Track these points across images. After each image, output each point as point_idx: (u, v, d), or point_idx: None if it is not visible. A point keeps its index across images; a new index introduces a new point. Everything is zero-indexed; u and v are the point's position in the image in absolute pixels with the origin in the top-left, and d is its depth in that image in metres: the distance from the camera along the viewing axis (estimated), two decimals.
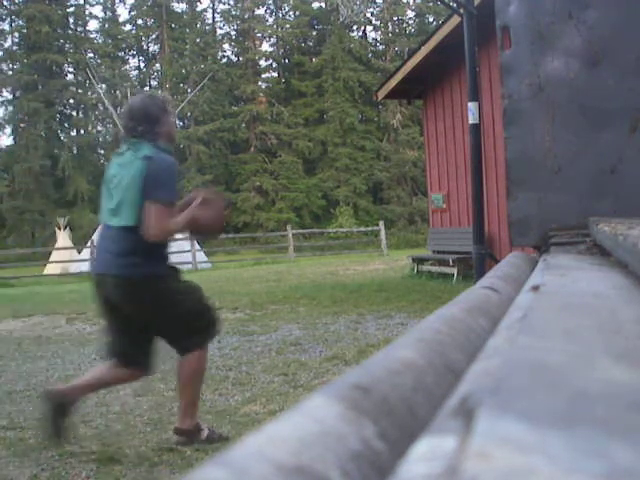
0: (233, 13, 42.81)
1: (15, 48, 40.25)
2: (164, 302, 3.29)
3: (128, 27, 43.26)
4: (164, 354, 5.85)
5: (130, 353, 3.46)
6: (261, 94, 40.95)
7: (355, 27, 41.75)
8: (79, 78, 41.01)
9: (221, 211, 3.34)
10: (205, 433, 3.40)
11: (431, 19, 41.38)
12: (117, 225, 3.20)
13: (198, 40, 40.95)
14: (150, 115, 3.21)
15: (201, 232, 3.50)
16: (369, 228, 26.54)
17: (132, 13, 42.52)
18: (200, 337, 3.42)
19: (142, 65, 44.42)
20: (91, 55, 40.67)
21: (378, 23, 42.64)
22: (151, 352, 3.55)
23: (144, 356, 3.54)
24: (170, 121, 3.33)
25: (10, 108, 39.79)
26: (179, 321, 3.36)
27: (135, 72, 44.38)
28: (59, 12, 40.32)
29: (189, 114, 39.22)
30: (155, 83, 44.28)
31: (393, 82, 11.37)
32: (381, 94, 11.98)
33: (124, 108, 3.43)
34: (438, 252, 11.35)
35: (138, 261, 3.19)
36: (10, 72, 39.71)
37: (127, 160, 3.20)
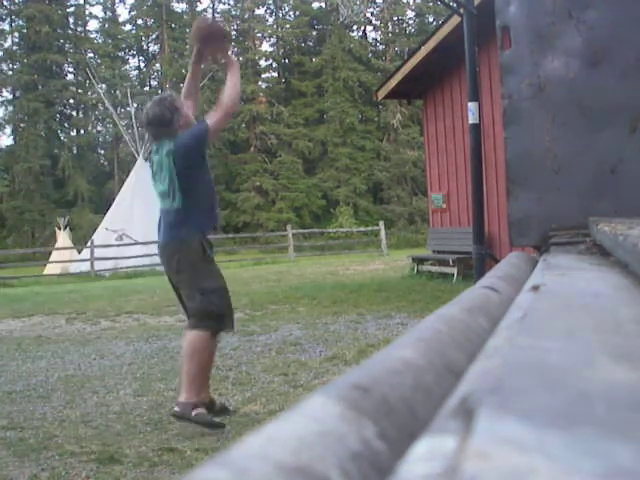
0: (233, 13, 42.82)
1: (15, 48, 40.25)
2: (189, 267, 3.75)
3: (128, 27, 43.27)
4: (164, 354, 5.86)
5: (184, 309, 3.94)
6: (261, 94, 40.94)
7: (355, 27, 41.75)
8: (79, 78, 41.01)
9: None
10: (197, 412, 3.59)
11: (431, 19, 41.39)
12: (167, 208, 3.77)
13: None
14: (164, 119, 3.70)
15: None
16: (369, 228, 26.54)
17: (132, 13, 42.52)
18: (213, 322, 3.72)
19: (142, 65, 44.43)
20: (91, 55, 40.67)
21: (378, 23, 42.65)
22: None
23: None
24: (183, 113, 3.77)
25: (10, 108, 39.80)
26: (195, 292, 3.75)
27: (135, 72, 44.39)
28: (59, 12, 40.31)
29: None
30: (155, 83, 44.28)
31: (393, 82, 11.37)
32: (381, 94, 11.98)
33: (143, 117, 3.86)
34: (438, 252, 11.35)
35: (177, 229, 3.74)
36: (10, 72, 39.72)
37: (159, 158, 3.77)
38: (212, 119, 3.82)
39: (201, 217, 3.77)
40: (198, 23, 4.11)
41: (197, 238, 3.74)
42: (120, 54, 43.07)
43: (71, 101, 41.55)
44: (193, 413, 3.58)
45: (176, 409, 3.64)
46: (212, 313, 3.74)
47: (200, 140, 3.77)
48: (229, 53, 4.08)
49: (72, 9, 41.80)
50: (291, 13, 43.34)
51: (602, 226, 1.26)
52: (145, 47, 44.08)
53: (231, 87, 3.84)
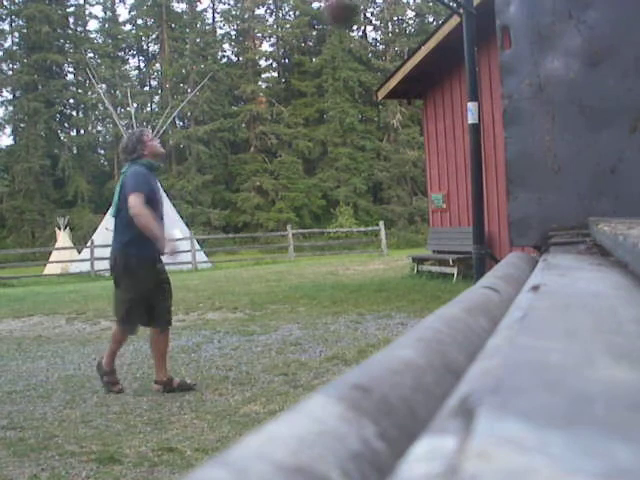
0: (233, 13, 42.81)
1: (15, 48, 40.25)
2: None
3: (128, 27, 43.27)
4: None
5: None
6: (261, 94, 40.95)
7: (355, 27, 41.75)
8: (79, 78, 41.01)
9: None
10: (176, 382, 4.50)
11: (431, 19, 41.38)
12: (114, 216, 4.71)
13: (198, 40, 40.95)
14: (127, 148, 4.64)
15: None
16: (369, 228, 26.53)
17: (132, 13, 42.51)
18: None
19: (142, 65, 44.43)
20: (91, 55, 40.67)
21: (378, 23, 42.65)
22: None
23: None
24: (148, 145, 4.61)
25: (10, 108, 39.81)
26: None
27: (135, 72, 44.39)
28: (59, 12, 40.32)
29: (189, 114, 39.24)
30: (155, 83, 44.30)
31: (393, 82, 11.37)
32: (381, 94, 11.98)
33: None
34: (438, 252, 11.35)
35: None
36: (10, 72, 39.72)
37: (121, 178, 4.67)
38: (131, 201, 4.43)
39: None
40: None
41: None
42: (120, 54, 43.06)
43: (71, 101, 41.56)
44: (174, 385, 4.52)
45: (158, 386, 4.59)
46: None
47: (126, 190, 4.50)
48: None
49: (72, 9, 41.81)
50: (291, 13, 43.33)
51: (602, 226, 1.26)
52: (145, 47, 44.08)
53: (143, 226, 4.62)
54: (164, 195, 4.59)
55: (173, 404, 4.22)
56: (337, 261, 17.39)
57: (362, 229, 27.87)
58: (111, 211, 4.81)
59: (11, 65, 40.12)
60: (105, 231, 19.26)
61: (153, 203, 4.50)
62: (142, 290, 4.51)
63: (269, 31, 42.31)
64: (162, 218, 4.63)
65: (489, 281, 0.98)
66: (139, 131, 4.76)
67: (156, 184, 4.70)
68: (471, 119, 6.02)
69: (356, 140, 38.31)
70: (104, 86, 36.05)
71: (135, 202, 4.37)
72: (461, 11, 6.19)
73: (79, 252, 20.24)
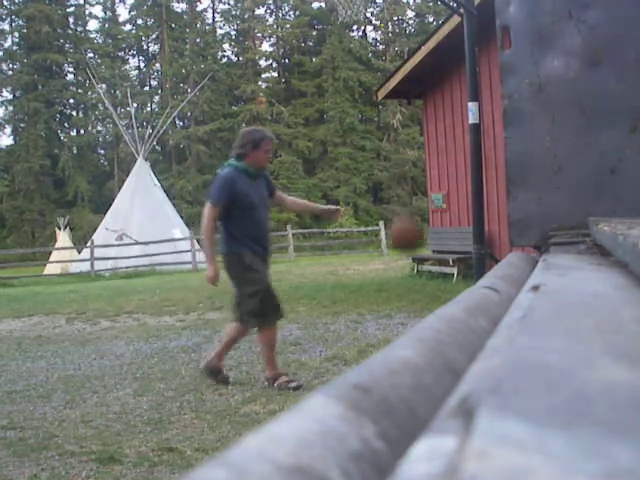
0: (233, 13, 42.81)
1: (15, 48, 40.26)
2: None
3: (128, 27, 43.27)
4: (164, 354, 5.86)
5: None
6: (261, 94, 40.95)
7: (355, 27, 41.75)
8: (79, 78, 41.01)
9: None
10: (282, 383, 4.42)
11: (431, 19, 41.38)
12: None
13: (198, 40, 40.95)
14: (238, 141, 4.53)
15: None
16: (369, 228, 26.53)
17: (132, 13, 42.52)
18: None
19: (142, 65, 44.43)
20: (91, 55, 40.67)
21: (378, 23, 42.65)
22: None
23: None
24: (258, 154, 4.47)
25: (10, 108, 39.81)
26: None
27: (135, 72, 44.40)
28: (59, 12, 40.32)
29: (189, 114, 39.23)
30: (155, 83, 44.30)
31: (393, 82, 11.37)
32: (381, 94, 11.98)
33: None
34: (438, 252, 11.34)
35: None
36: (10, 72, 39.72)
37: None
38: (207, 210, 4.48)
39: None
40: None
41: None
42: (120, 54, 43.07)
43: (71, 101, 41.56)
44: (275, 385, 4.44)
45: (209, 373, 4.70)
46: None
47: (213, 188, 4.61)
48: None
49: (72, 9, 41.81)
50: (291, 13, 43.33)
51: (602, 226, 1.26)
52: (145, 47, 44.08)
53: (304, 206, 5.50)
54: (256, 197, 4.55)
55: (173, 404, 4.22)
56: (337, 261, 17.39)
57: (362, 229, 27.87)
58: None
59: (11, 65, 40.12)
60: (105, 231, 19.29)
61: (243, 208, 4.43)
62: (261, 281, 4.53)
63: (269, 31, 42.31)
64: (261, 222, 4.54)
65: (489, 281, 0.98)
66: (261, 134, 4.57)
67: (250, 187, 4.49)
68: (472, 119, 6.03)
69: (356, 140, 38.31)
70: (104, 86, 36.04)
71: (205, 212, 4.44)
72: (461, 11, 6.19)
73: (79, 252, 20.25)
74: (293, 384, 4.42)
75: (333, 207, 5.07)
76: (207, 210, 4.44)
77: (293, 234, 21.09)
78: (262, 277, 4.52)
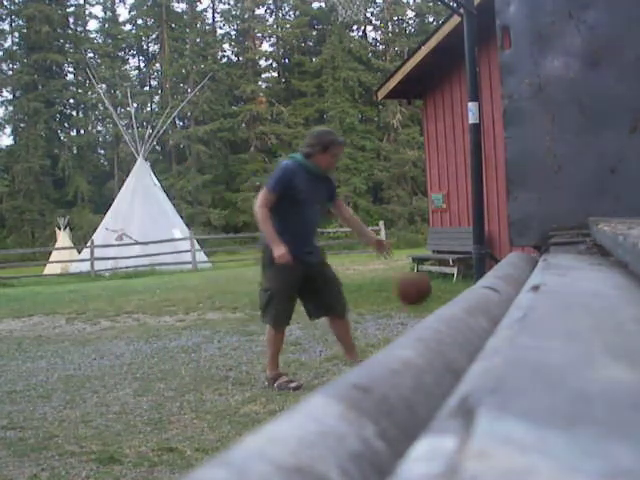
0: (233, 13, 42.80)
1: (15, 48, 40.25)
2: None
3: (128, 27, 43.25)
4: (164, 354, 5.86)
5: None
6: (261, 94, 40.93)
7: (355, 27, 41.75)
8: (79, 78, 41.01)
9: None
10: (282, 383, 4.44)
11: (431, 19, 41.37)
12: None
13: (198, 40, 40.94)
14: (308, 139, 4.54)
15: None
16: (369, 228, 26.50)
17: (132, 13, 42.50)
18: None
19: (142, 65, 44.42)
20: (91, 55, 40.66)
21: (378, 23, 42.64)
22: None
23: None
24: (325, 158, 4.43)
25: (10, 108, 39.80)
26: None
27: (135, 72, 44.38)
28: (59, 12, 40.31)
29: (189, 114, 39.22)
30: (155, 83, 44.29)
31: (393, 82, 11.37)
32: (381, 94, 11.98)
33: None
34: (438, 252, 11.34)
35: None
36: (10, 72, 39.71)
37: None
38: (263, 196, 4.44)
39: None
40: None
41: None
42: (120, 54, 43.05)
43: (71, 101, 41.55)
44: (275, 385, 4.46)
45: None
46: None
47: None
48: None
49: (72, 9, 41.79)
50: (291, 13, 43.32)
51: (602, 226, 1.26)
52: (145, 47, 44.07)
53: (357, 226, 5.11)
54: (307, 196, 4.49)
55: (173, 404, 4.22)
56: (337, 261, 17.38)
57: None
58: None
59: (11, 65, 40.11)
60: (105, 231, 19.29)
61: (294, 203, 4.37)
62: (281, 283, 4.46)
63: (269, 31, 42.30)
64: (308, 222, 4.50)
65: (489, 281, 0.98)
66: (331, 138, 4.49)
67: (308, 185, 4.42)
68: (472, 119, 6.03)
69: (356, 140, 38.29)
70: (104, 86, 36.04)
71: (259, 198, 4.40)
72: (461, 11, 6.19)
73: (79, 252, 20.24)
74: (293, 384, 4.42)
75: (383, 240, 5.12)
76: (262, 195, 4.40)
77: None
78: (281, 277, 4.41)
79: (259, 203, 4.38)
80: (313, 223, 4.62)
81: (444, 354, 0.52)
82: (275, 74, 43.69)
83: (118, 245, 17.91)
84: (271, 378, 4.51)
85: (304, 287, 4.53)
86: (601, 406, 0.30)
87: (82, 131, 41.26)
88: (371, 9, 41.08)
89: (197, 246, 18.86)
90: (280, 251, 4.27)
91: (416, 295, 4.34)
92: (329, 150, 4.42)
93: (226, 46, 43.53)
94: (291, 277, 4.42)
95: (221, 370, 5.09)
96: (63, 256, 19.75)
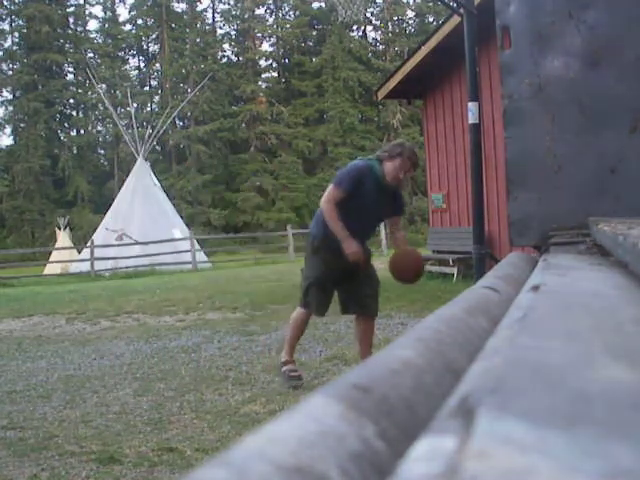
0: (233, 13, 42.80)
1: (15, 48, 40.24)
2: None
3: (128, 27, 43.25)
4: (164, 354, 5.86)
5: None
6: (261, 94, 40.93)
7: (355, 27, 41.75)
8: (79, 78, 41.01)
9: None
10: (285, 368, 4.47)
11: (431, 19, 41.37)
12: None
13: (198, 40, 40.95)
14: (386, 146, 4.63)
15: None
16: None
17: (132, 13, 42.50)
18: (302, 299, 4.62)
19: (142, 65, 44.41)
20: (91, 55, 40.66)
21: (378, 23, 42.65)
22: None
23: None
24: (395, 166, 4.36)
25: (10, 108, 39.80)
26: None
27: (135, 72, 44.38)
28: (59, 12, 40.30)
29: (189, 114, 39.22)
30: (155, 83, 44.29)
31: (393, 82, 11.37)
32: (381, 94, 11.98)
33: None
34: (438, 252, 11.34)
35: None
36: (10, 72, 39.71)
37: None
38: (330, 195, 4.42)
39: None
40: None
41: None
42: (120, 54, 43.05)
43: (71, 101, 41.55)
44: (282, 369, 4.49)
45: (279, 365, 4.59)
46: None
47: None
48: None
49: (72, 9, 41.79)
50: (291, 13, 43.32)
51: (602, 226, 1.26)
52: (145, 47, 44.07)
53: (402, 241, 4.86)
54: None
55: (173, 404, 4.22)
56: None
57: None
58: None
59: (11, 65, 40.11)
60: (105, 231, 19.29)
61: (353, 206, 4.31)
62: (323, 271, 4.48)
63: (269, 31, 42.30)
64: (361, 228, 4.41)
65: (489, 281, 0.98)
66: (402, 151, 4.39)
67: (373, 191, 4.34)
68: (472, 119, 6.03)
69: (356, 140, 38.29)
70: (104, 86, 36.04)
71: (326, 193, 4.41)
72: (461, 11, 6.19)
73: (79, 252, 20.24)
74: (294, 381, 4.45)
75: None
76: (329, 191, 4.40)
77: (293, 234, 21.07)
78: (321, 267, 4.45)
79: (325, 198, 4.39)
80: (368, 228, 4.65)
81: (444, 354, 0.52)
82: (275, 74, 43.70)
83: (118, 245, 17.91)
84: (283, 362, 4.54)
85: (345, 281, 4.54)
86: (601, 406, 0.30)
87: (82, 131, 41.26)
88: (371, 9, 41.10)
89: (197, 246, 18.86)
90: (352, 247, 4.30)
91: (413, 276, 4.62)
92: (395, 160, 4.35)
93: (226, 46, 43.56)
94: (331, 269, 4.44)
95: (221, 370, 5.09)
96: (63, 256, 19.75)
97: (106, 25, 42.57)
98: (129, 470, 3.07)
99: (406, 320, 7.00)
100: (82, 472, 3.07)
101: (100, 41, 42.45)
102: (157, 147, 36.43)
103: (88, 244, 18.50)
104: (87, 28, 42.91)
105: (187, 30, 42.14)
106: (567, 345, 0.44)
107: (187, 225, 21.48)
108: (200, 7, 43.57)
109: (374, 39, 43.98)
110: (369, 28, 43.26)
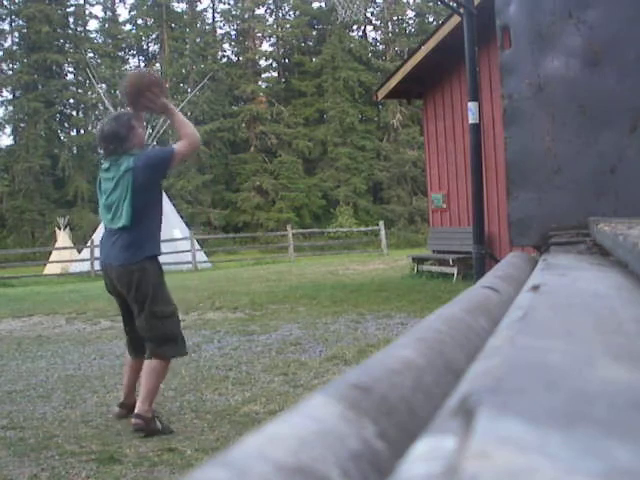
0: (233, 13, 42.80)
1: (15, 48, 40.23)
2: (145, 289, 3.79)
3: (128, 27, 43.25)
4: None
5: (131, 337, 3.99)
6: (261, 94, 40.94)
7: (355, 27, 41.75)
8: (79, 78, 41.00)
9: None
10: (158, 425, 3.67)
11: (431, 19, 41.37)
12: (118, 226, 3.79)
13: (198, 40, 40.95)
14: (119, 135, 3.76)
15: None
16: (369, 228, 26.54)
17: (132, 13, 42.50)
18: (169, 348, 3.83)
19: (142, 65, 44.38)
20: (91, 55, 40.65)
21: (378, 23, 42.65)
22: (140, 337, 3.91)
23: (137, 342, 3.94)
24: (138, 133, 3.86)
25: (10, 108, 39.79)
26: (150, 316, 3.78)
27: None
28: (59, 12, 40.29)
29: (189, 114, 39.20)
30: None
31: (393, 82, 11.37)
32: (381, 94, 11.98)
33: (97, 132, 3.94)
34: (438, 252, 11.35)
35: (134, 250, 3.79)
36: (10, 72, 39.71)
37: (113, 175, 3.79)
38: (180, 146, 3.80)
39: (152, 239, 3.89)
40: (127, 80, 3.92)
41: (155, 260, 3.91)
42: (120, 54, 43.05)
43: (71, 101, 41.55)
44: (157, 427, 3.66)
45: (138, 421, 3.64)
46: (168, 338, 3.80)
47: (165, 162, 3.80)
48: (163, 101, 3.83)
49: (72, 9, 41.78)
50: (291, 13, 43.32)
51: (602, 226, 1.26)
52: (145, 47, 44.08)
53: (184, 129, 3.84)
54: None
55: (173, 404, 4.22)
56: (337, 261, 17.38)
57: (362, 229, 27.87)
58: (121, 221, 3.77)
59: (11, 65, 40.10)
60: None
61: (159, 202, 3.94)
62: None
63: (269, 31, 42.30)
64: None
65: (489, 281, 0.98)
66: (126, 113, 3.87)
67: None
68: (472, 119, 6.03)
69: (356, 140, 38.30)
70: (104, 86, 36.00)
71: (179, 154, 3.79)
72: (461, 11, 6.19)
73: (79, 252, 20.24)
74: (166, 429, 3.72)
75: None
76: (185, 149, 3.85)
77: (293, 234, 21.07)
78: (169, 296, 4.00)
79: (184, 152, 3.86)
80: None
81: (444, 354, 0.52)
82: (275, 74, 43.70)
83: None
84: (151, 417, 3.70)
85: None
86: (601, 406, 0.30)
87: (82, 131, 41.26)
88: (371, 9, 41.10)
89: (197, 246, 18.85)
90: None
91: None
92: (135, 125, 3.85)
93: (226, 46, 43.57)
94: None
95: (221, 370, 5.09)
96: (63, 256, 19.75)
97: (106, 25, 42.57)
98: (129, 470, 3.07)
99: (406, 320, 7.01)
100: (82, 472, 3.07)
101: (100, 41, 42.45)
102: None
103: (88, 244, 18.50)
104: (87, 28, 42.92)
105: (187, 30, 42.14)
106: (567, 345, 0.44)
107: (187, 225, 21.47)
108: (200, 7, 43.63)
109: (374, 39, 44.02)
110: (369, 28, 43.29)
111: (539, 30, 1.68)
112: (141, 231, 3.78)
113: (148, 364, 3.79)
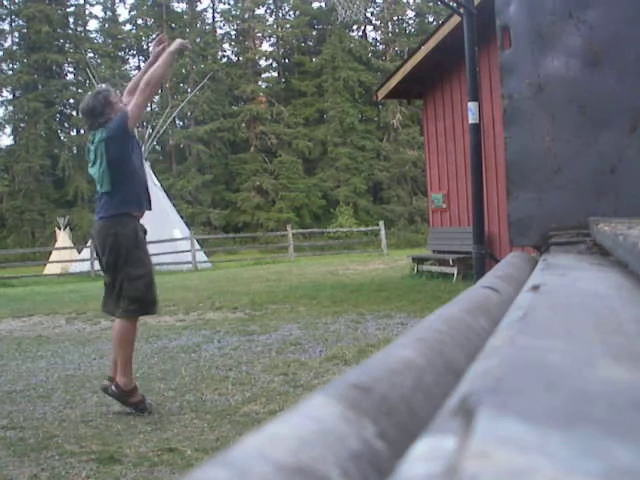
0: (233, 13, 42.80)
1: (15, 48, 40.24)
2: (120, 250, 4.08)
3: (128, 27, 43.26)
4: (164, 354, 5.86)
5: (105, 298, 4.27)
6: (261, 94, 40.94)
7: (355, 27, 41.75)
8: (79, 78, 41.01)
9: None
10: (136, 399, 3.98)
11: (431, 19, 41.38)
12: (103, 191, 4.16)
13: (198, 40, 40.95)
14: (94, 111, 4.13)
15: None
16: (369, 228, 26.54)
17: (132, 13, 42.51)
18: (136, 308, 4.15)
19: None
20: (91, 55, 40.65)
21: (378, 23, 42.65)
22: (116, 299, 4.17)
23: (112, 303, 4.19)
24: (116, 107, 4.16)
25: (10, 108, 39.79)
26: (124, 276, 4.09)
27: (135, 72, 44.33)
28: (59, 12, 40.31)
29: (189, 114, 39.22)
30: None
31: (393, 82, 11.37)
32: (381, 94, 11.98)
33: (80, 108, 4.36)
34: (438, 252, 11.35)
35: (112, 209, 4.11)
36: (10, 72, 39.71)
37: (94, 147, 4.15)
38: (132, 104, 4.17)
39: (130, 201, 4.15)
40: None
41: (130, 222, 4.14)
42: (120, 54, 43.06)
43: (71, 101, 41.53)
44: (131, 400, 4.01)
45: (114, 389, 4.00)
46: (136, 299, 4.11)
47: (121, 128, 4.10)
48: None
49: (72, 9, 41.80)
50: (291, 13, 43.33)
51: (602, 226, 1.26)
52: (145, 47, 44.06)
53: (160, 66, 4.34)
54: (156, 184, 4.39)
55: (173, 404, 4.22)
56: (337, 261, 17.38)
57: (362, 229, 27.87)
58: (104, 187, 4.12)
59: (11, 65, 40.10)
60: None
61: (138, 170, 4.20)
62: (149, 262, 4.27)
63: (269, 31, 42.31)
64: (147, 189, 4.29)
65: (489, 281, 0.98)
66: (105, 91, 4.23)
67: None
68: (472, 119, 6.03)
69: (356, 140, 38.31)
70: (104, 86, 36.03)
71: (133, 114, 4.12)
72: (461, 11, 6.19)
73: (79, 252, 20.25)
74: (145, 409, 4.02)
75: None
76: (136, 105, 4.20)
77: (293, 234, 21.07)
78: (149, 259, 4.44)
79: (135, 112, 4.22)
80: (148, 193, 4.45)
81: (444, 354, 0.52)
82: (275, 74, 43.71)
83: None
84: (129, 390, 4.02)
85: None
86: (601, 406, 0.30)
87: (82, 131, 41.24)
88: (371, 9, 41.12)
89: (197, 246, 18.86)
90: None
91: None
92: (113, 100, 4.22)
93: (226, 46, 43.58)
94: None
95: (221, 370, 5.09)
96: (63, 256, 19.76)
97: (106, 25, 42.58)
98: (129, 470, 3.07)
99: (406, 320, 7.01)
100: (82, 472, 3.07)
101: (100, 41, 42.47)
102: (157, 147, 36.42)
103: (88, 244, 18.49)
104: (87, 28, 42.94)
105: (187, 30, 42.13)
106: (567, 345, 0.44)
107: (187, 225, 21.48)
108: (200, 7, 43.62)
109: (374, 39, 44.03)
110: (369, 28, 43.31)
111: (539, 30, 1.68)
112: (121, 193, 4.10)
113: (115, 325, 4.12)
